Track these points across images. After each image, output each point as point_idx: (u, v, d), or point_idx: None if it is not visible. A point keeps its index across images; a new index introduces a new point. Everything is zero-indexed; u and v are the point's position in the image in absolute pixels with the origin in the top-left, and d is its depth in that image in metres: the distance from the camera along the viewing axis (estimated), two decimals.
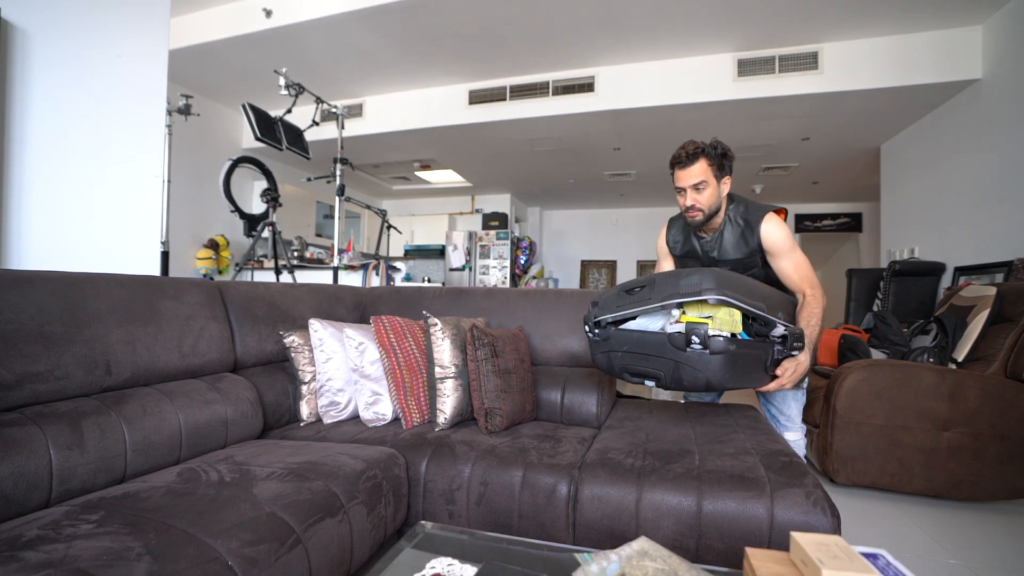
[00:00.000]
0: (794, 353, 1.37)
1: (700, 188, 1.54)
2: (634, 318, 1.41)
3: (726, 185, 1.59)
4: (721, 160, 1.54)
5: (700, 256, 1.70)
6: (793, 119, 4.23)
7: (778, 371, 1.38)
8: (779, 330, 1.37)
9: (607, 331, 1.43)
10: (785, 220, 1.64)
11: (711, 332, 1.23)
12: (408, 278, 4.98)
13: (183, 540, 0.82)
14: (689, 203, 1.57)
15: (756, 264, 1.62)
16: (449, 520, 1.34)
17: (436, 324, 1.67)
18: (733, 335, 1.27)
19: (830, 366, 2.82)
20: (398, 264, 4.81)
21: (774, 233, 1.55)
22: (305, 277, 4.27)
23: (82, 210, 1.81)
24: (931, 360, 2.42)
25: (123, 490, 1.02)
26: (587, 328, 1.49)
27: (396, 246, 6.42)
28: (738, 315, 1.29)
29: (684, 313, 1.32)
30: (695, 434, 1.53)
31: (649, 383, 1.36)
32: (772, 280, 1.64)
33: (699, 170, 1.53)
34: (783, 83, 3.71)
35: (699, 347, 1.22)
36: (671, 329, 1.32)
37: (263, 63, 4.01)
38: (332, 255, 4.17)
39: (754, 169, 5.82)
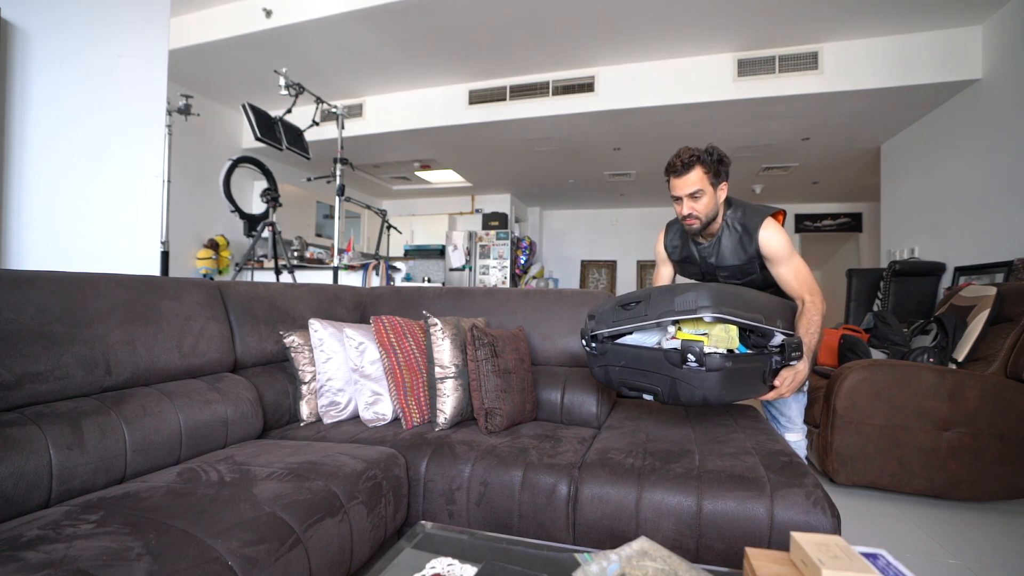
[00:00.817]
0: (792, 363, 1.36)
1: (696, 196, 1.51)
2: (630, 332, 1.41)
3: (723, 191, 1.56)
4: (717, 167, 1.51)
5: (698, 262, 1.68)
6: (793, 119, 4.23)
7: (776, 381, 1.38)
8: (777, 339, 1.37)
9: (604, 345, 1.43)
10: (784, 222, 1.62)
11: (707, 350, 1.23)
12: (408, 278, 4.98)
13: (183, 540, 0.82)
14: (686, 212, 1.54)
15: (755, 270, 1.60)
16: (449, 520, 1.34)
17: (436, 324, 1.67)
18: (730, 351, 1.27)
19: (830, 366, 2.81)
20: (398, 264, 4.81)
21: (773, 240, 1.52)
22: (305, 277, 4.27)
23: (82, 210, 1.81)
24: (931, 360, 2.42)
25: (123, 490, 1.02)
26: (584, 342, 1.49)
27: (396, 246, 6.42)
28: (734, 330, 1.29)
29: (680, 329, 1.33)
30: (695, 434, 1.53)
31: (647, 397, 1.37)
32: (770, 284, 1.63)
33: (695, 178, 1.50)
34: (783, 83, 3.71)
35: (695, 364, 1.22)
36: (667, 344, 1.32)
37: (263, 63, 4.01)
38: (332, 255, 4.17)
39: (754, 169, 5.82)
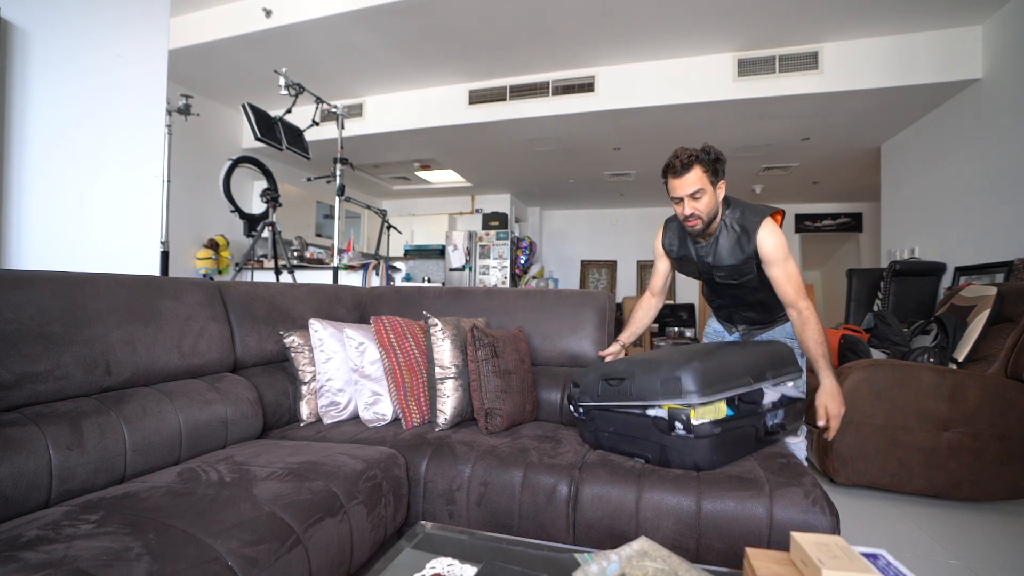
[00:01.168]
0: (798, 428, 1.42)
1: (697, 196, 1.49)
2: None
3: (721, 190, 1.54)
4: (715, 165, 1.49)
5: (695, 261, 1.67)
6: (793, 119, 4.23)
7: (819, 422, 1.41)
8: (770, 397, 1.38)
9: (592, 411, 1.47)
10: (782, 222, 1.60)
11: (694, 421, 1.24)
12: (408, 278, 4.98)
13: (183, 540, 0.82)
14: (688, 212, 1.51)
15: (751, 271, 1.57)
16: (449, 520, 1.34)
17: (436, 324, 1.67)
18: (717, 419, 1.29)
19: None
20: (398, 264, 4.80)
21: (769, 242, 1.51)
22: (305, 277, 4.27)
23: (82, 210, 1.81)
24: (931, 360, 2.42)
25: (123, 490, 1.02)
26: (571, 407, 1.52)
27: (396, 246, 6.42)
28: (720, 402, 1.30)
29: None
30: None
31: (639, 460, 1.38)
32: (766, 284, 1.60)
33: (694, 178, 1.48)
34: (783, 83, 3.70)
35: (683, 432, 1.23)
36: (652, 412, 1.33)
37: (263, 63, 4.00)
38: (332, 255, 4.17)
39: (754, 169, 5.82)
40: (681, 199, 1.52)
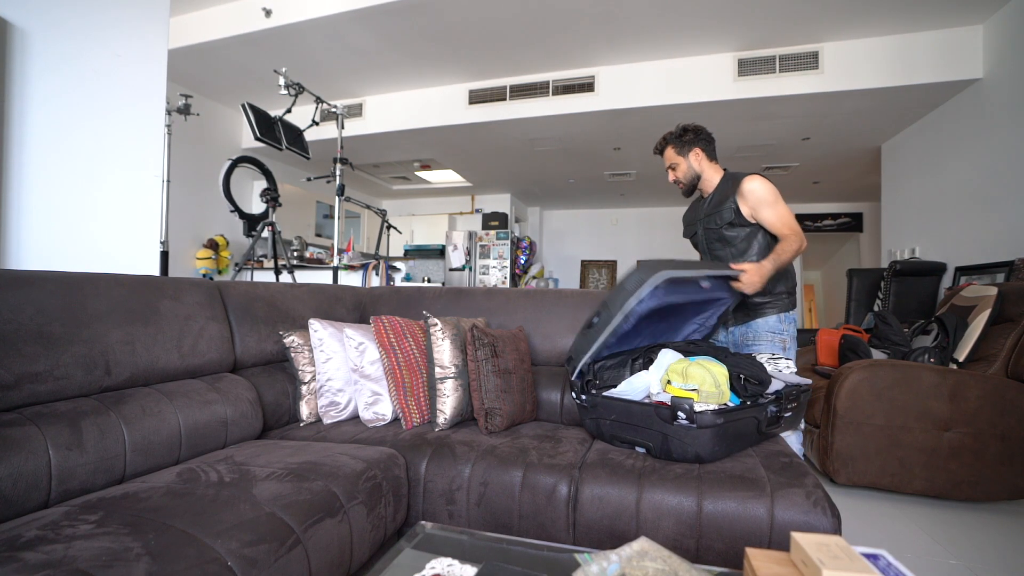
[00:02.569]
0: (787, 413, 1.45)
1: (673, 168, 1.90)
2: (617, 386, 1.47)
3: (696, 156, 1.86)
4: (680, 140, 1.87)
5: (697, 213, 1.95)
6: (793, 119, 4.23)
7: (734, 266, 1.62)
8: (774, 386, 1.41)
9: (594, 398, 1.47)
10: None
11: (697, 408, 1.24)
12: (408, 278, 4.97)
13: (182, 540, 0.81)
14: (671, 179, 1.94)
15: (730, 215, 1.74)
16: (449, 520, 1.34)
17: (436, 324, 1.67)
18: (722, 404, 1.30)
19: (831, 366, 2.81)
20: (398, 264, 4.80)
21: (759, 188, 1.71)
22: (305, 277, 4.27)
23: (82, 210, 1.81)
24: (932, 360, 2.42)
25: (122, 490, 1.01)
26: (574, 393, 1.55)
27: (396, 246, 6.41)
28: (724, 383, 1.31)
29: (669, 383, 1.35)
30: None
31: (640, 450, 1.38)
32: (748, 245, 1.77)
33: (668, 156, 1.91)
34: (783, 83, 3.70)
35: (686, 421, 1.23)
36: (657, 397, 1.34)
37: (263, 63, 4.01)
38: (332, 255, 4.17)
39: (754, 169, 5.81)
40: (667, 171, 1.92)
